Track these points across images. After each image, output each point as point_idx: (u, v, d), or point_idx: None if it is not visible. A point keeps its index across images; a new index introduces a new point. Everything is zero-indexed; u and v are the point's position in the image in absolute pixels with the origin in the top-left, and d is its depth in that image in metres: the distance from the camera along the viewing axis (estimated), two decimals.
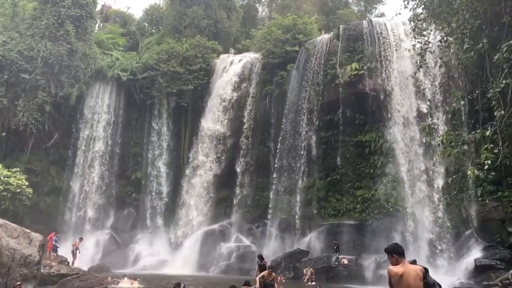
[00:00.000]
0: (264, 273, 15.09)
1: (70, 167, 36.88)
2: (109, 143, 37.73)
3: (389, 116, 30.20)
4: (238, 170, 34.98)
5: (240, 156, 35.10)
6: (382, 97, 30.63)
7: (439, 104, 27.96)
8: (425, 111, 28.27)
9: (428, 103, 27.70)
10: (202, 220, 34.71)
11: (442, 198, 26.71)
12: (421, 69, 22.04)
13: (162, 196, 36.97)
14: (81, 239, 28.21)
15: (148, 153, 38.03)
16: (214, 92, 37.25)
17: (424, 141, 28.08)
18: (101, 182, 36.82)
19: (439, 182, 27.17)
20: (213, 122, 36.29)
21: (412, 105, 29.50)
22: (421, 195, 27.81)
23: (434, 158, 27.22)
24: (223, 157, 35.65)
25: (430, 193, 27.53)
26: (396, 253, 6.36)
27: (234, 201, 34.58)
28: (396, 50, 30.93)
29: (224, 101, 36.59)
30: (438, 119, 27.55)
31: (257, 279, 14.92)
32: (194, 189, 35.55)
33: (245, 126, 35.51)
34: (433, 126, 27.32)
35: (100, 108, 38.32)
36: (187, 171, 36.56)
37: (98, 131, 37.75)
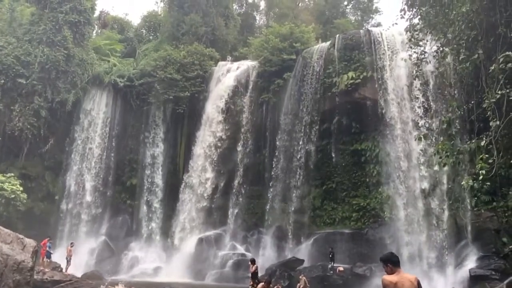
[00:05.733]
0: (261, 286, 15.10)
1: (65, 173, 36.69)
2: (105, 149, 37.49)
3: (385, 125, 30.28)
4: (234, 177, 34.86)
5: (236, 164, 35.00)
6: (378, 106, 30.70)
7: (434, 113, 28.08)
8: (421, 120, 28.37)
9: (424, 112, 27.78)
10: (197, 228, 34.51)
11: (437, 208, 26.75)
12: (417, 79, 22.14)
13: (157, 203, 36.76)
14: (72, 244, 28.01)
15: (144, 159, 37.82)
16: (211, 100, 37.25)
17: (420, 151, 28.14)
18: (96, 188, 36.58)
19: (435, 191, 27.23)
20: (209, 131, 36.23)
21: (408, 115, 29.59)
22: (417, 204, 27.83)
23: (429, 168, 27.29)
24: (218, 165, 35.55)
25: (425, 203, 27.55)
26: (391, 262, 6.37)
27: (230, 209, 34.41)
28: (392, 60, 31.10)
29: (220, 109, 36.55)
30: (433, 128, 27.65)
31: None
32: (189, 196, 35.41)
33: (241, 135, 35.47)
34: (428, 135, 27.44)
35: (97, 114, 38.18)
36: (183, 178, 36.39)
37: (94, 137, 37.57)
